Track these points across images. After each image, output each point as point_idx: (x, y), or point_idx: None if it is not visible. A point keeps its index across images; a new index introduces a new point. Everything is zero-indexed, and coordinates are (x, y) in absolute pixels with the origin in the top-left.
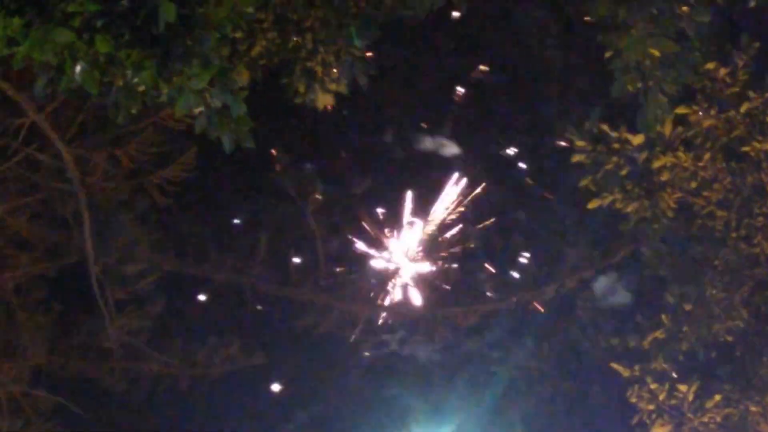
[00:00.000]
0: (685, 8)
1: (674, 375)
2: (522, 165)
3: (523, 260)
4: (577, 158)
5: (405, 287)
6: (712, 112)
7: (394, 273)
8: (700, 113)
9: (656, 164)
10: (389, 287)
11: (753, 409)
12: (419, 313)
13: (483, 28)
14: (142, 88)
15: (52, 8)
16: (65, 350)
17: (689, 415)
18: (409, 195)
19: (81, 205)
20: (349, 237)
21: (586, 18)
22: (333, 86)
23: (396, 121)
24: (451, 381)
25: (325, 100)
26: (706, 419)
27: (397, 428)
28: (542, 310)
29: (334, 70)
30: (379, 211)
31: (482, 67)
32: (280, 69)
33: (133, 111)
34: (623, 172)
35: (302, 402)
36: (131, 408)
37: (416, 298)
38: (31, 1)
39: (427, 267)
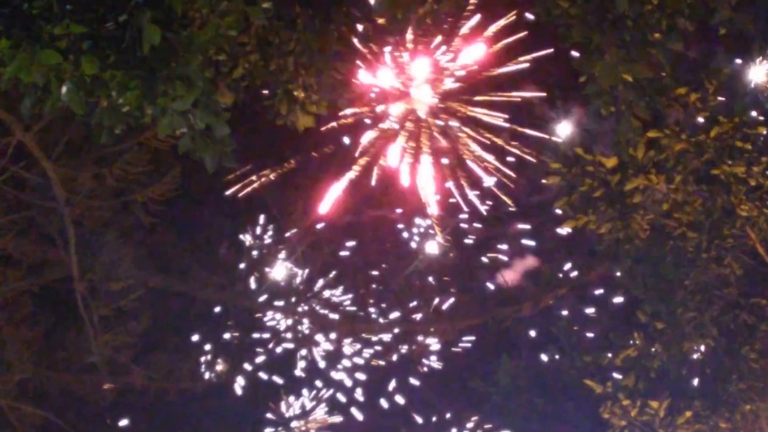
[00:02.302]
0: (657, 35)
1: (646, 392)
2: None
3: (499, 277)
4: (551, 180)
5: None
6: (683, 136)
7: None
8: (672, 137)
9: (629, 186)
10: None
11: (722, 425)
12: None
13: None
14: (126, 108)
15: (38, 30)
16: (51, 365)
17: (660, 431)
18: None
19: (66, 223)
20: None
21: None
22: (313, 108)
23: None
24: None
25: (305, 122)
26: None
27: None
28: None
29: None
30: None
31: None
32: (262, 91)
33: (117, 131)
34: (597, 194)
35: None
36: (116, 422)
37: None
38: (18, 23)
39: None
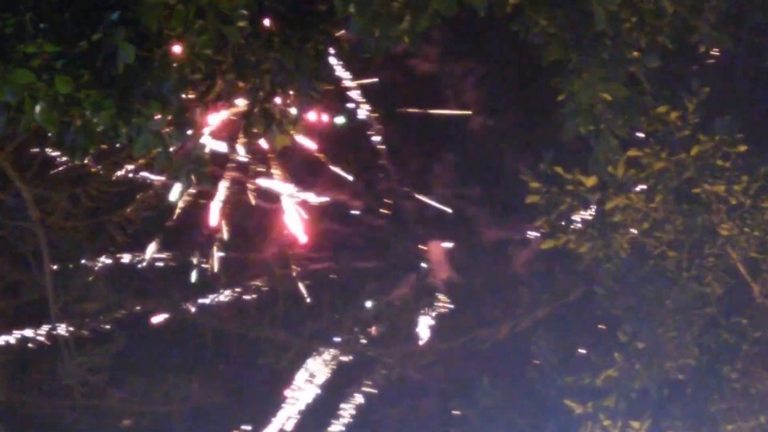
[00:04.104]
0: (636, 53)
1: (627, 412)
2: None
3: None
4: (531, 199)
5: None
6: (663, 155)
7: None
8: (652, 156)
9: (609, 205)
10: None
11: None
12: (378, 349)
13: (441, 69)
14: (101, 128)
15: (11, 49)
16: (25, 387)
17: None
18: None
19: (41, 243)
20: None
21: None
22: (290, 128)
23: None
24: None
25: (282, 142)
26: None
27: None
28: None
29: (292, 112)
30: None
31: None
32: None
33: (91, 151)
34: (577, 213)
35: None
36: None
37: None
38: None
39: None
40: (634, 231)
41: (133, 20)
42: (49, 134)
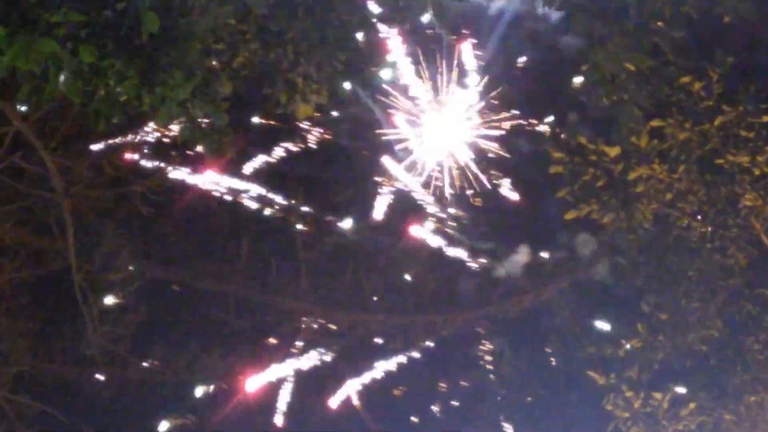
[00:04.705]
0: (660, 23)
1: (649, 383)
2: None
3: (501, 269)
4: (554, 170)
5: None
6: (687, 125)
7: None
8: (675, 126)
9: (632, 176)
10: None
11: (727, 417)
12: (399, 320)
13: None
14: (124, 97)
15: (36, 18)
16: (48, 357)
17: (664, 422)
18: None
19: (64, 213)
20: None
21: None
22: (314, 97)
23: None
24: (432, 388)
25: (305, 111)
26: (680, 427)
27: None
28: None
29: (314, 83)
30: None
31: None
32: (262, 80)
33: (115, 120)
34: (600, 184)
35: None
36: (114, 414)
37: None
38: (16, 11)
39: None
40: (657, 202)
41: None
42: (74, 104)
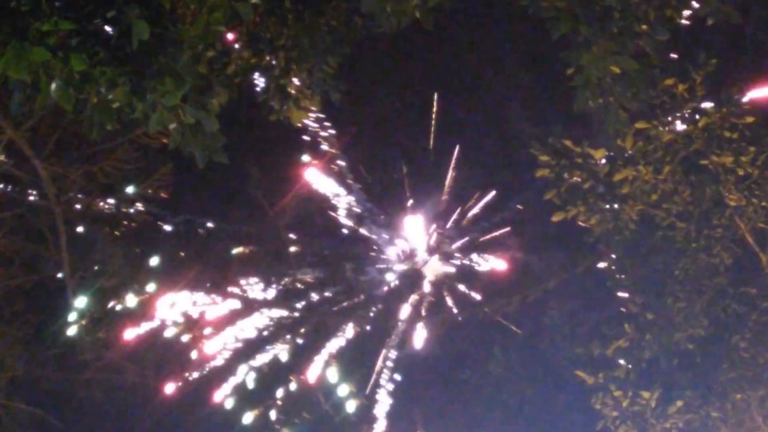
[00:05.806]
0: (644, 26)
1: (637, 382)
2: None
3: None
4: (541, 173)
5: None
6: (671, 127)
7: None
8: (660, 128)
9: (618, 177)
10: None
11: (714, 414)
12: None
13: (451, 47)
14: (116, 104)
15: (27, 27)
16: (42, 362)
17: (652, 420)
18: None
19: (57, 220)
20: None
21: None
22: (307, 103)
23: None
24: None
25: (299, 117)
26: (668, 425)
27: None
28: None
29: (307, 88)
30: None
31: None
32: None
33: (108, 127)
34: (586, 186)
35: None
36: (108, 419)
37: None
38: (7, 20)
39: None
40: (642, 203)
41: None
42: (66, 112)
